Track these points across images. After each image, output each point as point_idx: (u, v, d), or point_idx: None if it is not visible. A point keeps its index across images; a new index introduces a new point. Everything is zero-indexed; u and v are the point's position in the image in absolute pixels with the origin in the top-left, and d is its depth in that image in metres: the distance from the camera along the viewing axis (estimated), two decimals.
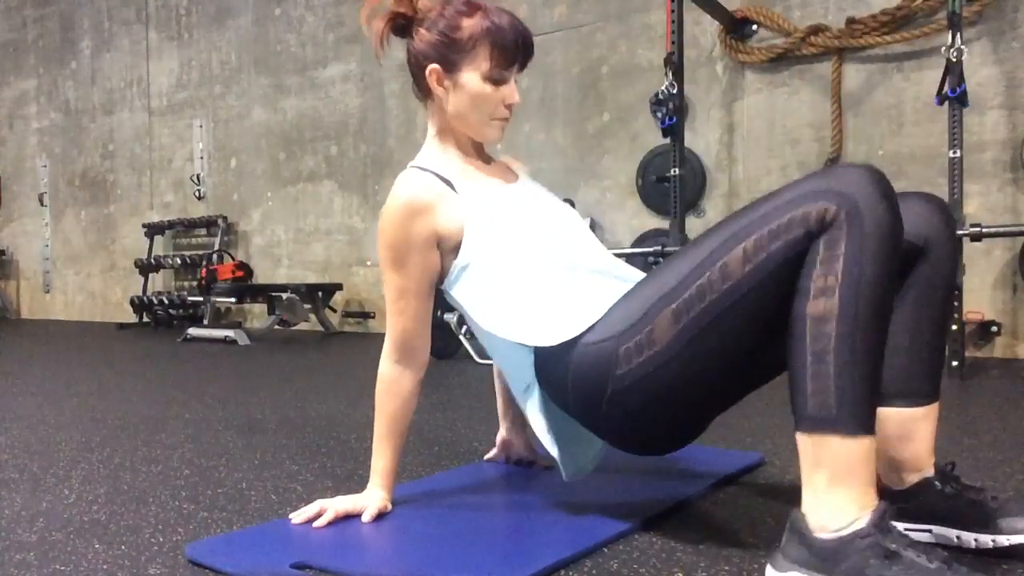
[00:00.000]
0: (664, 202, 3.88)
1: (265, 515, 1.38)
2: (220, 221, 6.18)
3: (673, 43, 3.42)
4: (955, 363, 2.89)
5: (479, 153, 1.41)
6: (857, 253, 0.95)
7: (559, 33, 4.68)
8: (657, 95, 3.44)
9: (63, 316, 7.60)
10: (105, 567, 1.13)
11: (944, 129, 3.07)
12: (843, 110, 3.83)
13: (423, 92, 1.35)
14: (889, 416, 1.15)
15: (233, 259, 5.96)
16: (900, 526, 1.14)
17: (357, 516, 1.28)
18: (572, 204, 4.48)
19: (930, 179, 3.63)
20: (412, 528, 1.25)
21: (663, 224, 4.12)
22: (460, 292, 1.30)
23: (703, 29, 4.17)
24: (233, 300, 5.72)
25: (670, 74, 3.41)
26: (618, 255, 4.25)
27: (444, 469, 1.68)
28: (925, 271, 1.14)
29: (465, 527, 1.25)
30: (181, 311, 6.15)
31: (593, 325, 1.16)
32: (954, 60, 2.88)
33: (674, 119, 3.41)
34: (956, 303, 2.89)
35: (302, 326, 5.54)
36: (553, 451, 1.27)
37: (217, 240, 6.17)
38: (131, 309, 6.48)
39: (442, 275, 1.32)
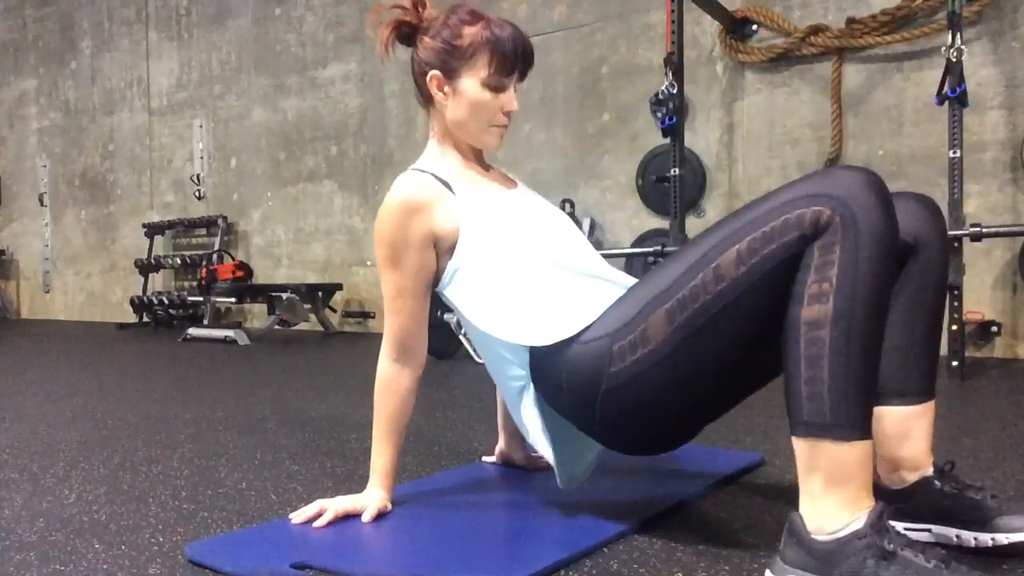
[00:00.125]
0: (664, 202, 3.88)
1: (265, 515, 1.38)
2: (220, 221, 6.18)
3: (673, 43, 3.42)
4: (955, 363, 2.89)
5: (478, 160, 1.42)
6: (851, 258, 0.95)
7: (559, 33, 4.68)
8: (657, 95, 3.44)
9: (63, 316, 7.60)
10: (105, 567, 1.13)
11: (944, 129, 3.07)
12: (843, 110, 3.83)
13: (425, 99, 1.37)
14: (886, 415, 1.16)
15: (233, 259, 5.96)
16: (899, 526, 1.15)
17: (357, 516, 1.28)
18: (572, 204, 4.50)
19: (930, 179, 3.63)
20: (412, 528, 1.25)
21: (663, 224, 4.13)
22: (455, 293, 1.31)
23: (703, 29, 4.17)
24: (233, 300, 5.72)
25: (670, 74, 3.41)
26: (618, 255, 4.28)
27: (444, 469, 1.68)
28: (917, 270, 1.15)
29: (465, 527, 1.25)
30: (181, 311, 6.16)
31: (589, 325, 1.17)
32: (954, 60, 2.88)
33: (674, 119, 3.41)
34: (956, 303, 2.89)
35: (302, 326, 5.54)
36: (548, 454, 1.27)
37: (217, 240, 6.17)
38: (131, 309, 6.48)
39: (438, 276, 1.33)
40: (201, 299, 5.72)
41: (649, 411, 1.14)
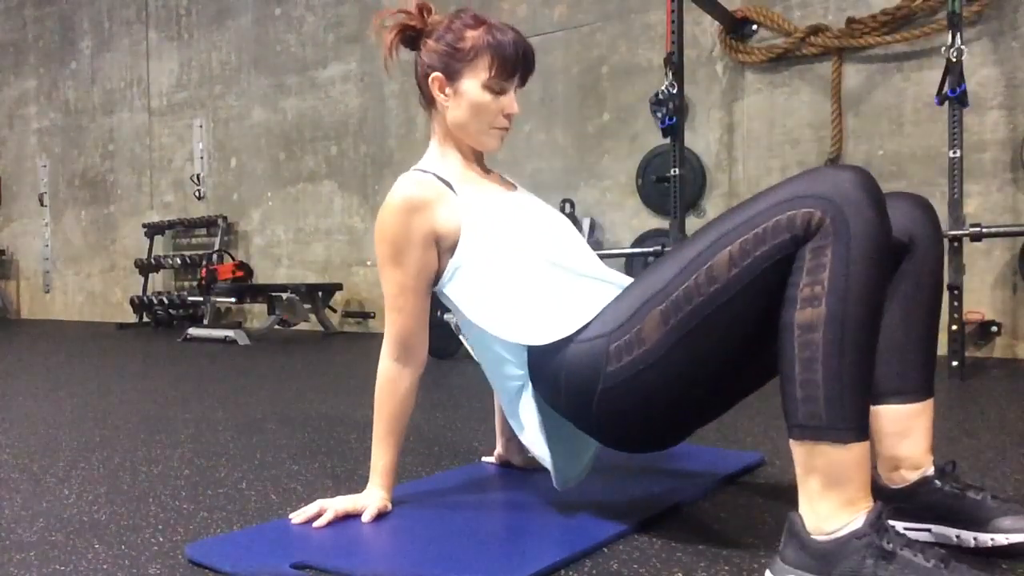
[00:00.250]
0: (664, 202, 3.88)
1: (265, 515, 1.38)
2: (220, 221, 6.18)
3: (673, 43, 3.41)
4: (955, 363, 2.89)
5: (479, 162, 1.44)
6: (843, 260, 0.95)
7: (559, 33, 4.68)
8: (657, 95, 3.44)
9: (63, 316, 7.60)
10: (105, 567, 1.13)
11: (944, 129, 3.07)
12: (843, 110, 3.83)
13: (427, 101, 1.38)
14: (885, 414, 1.16)
15: (233, 259, 5.96)
16: (899, 525, 1.15)
17: (357, 516, 1.28)
18: (572, 204, 4.50)
19: (930, 179, 3.63)
20: (412, 528, 1.25)
21: (663, 224, 4.13)
22: (455, 291, 1.31)
23: (703, 29, 4.17)
24: (233, 300, 5.72)
25: (670, 74, 3.41)
26: (618, 255, 4.28)
27: (444, 469, 1.68)
28: (913, 268, 1.16)
29: (465, 527, 1.25)
30: (181, 311, 6.15)
31: (586, 325, 1.17)
32: (954, 60, 2.88)
33: (674, 119, 3.41)
34: (956, 303, 2.89)
35: (302, 326, 5.54)
36: (544, 453, 1.27)
37: (217, 240, 6.17)
38: (131, 309, 6.48)
39: (438, 275, 1.33)
40: (201, 299, 5.72)
41: (645, 410, 1.14)
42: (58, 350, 4.63)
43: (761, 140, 4.08)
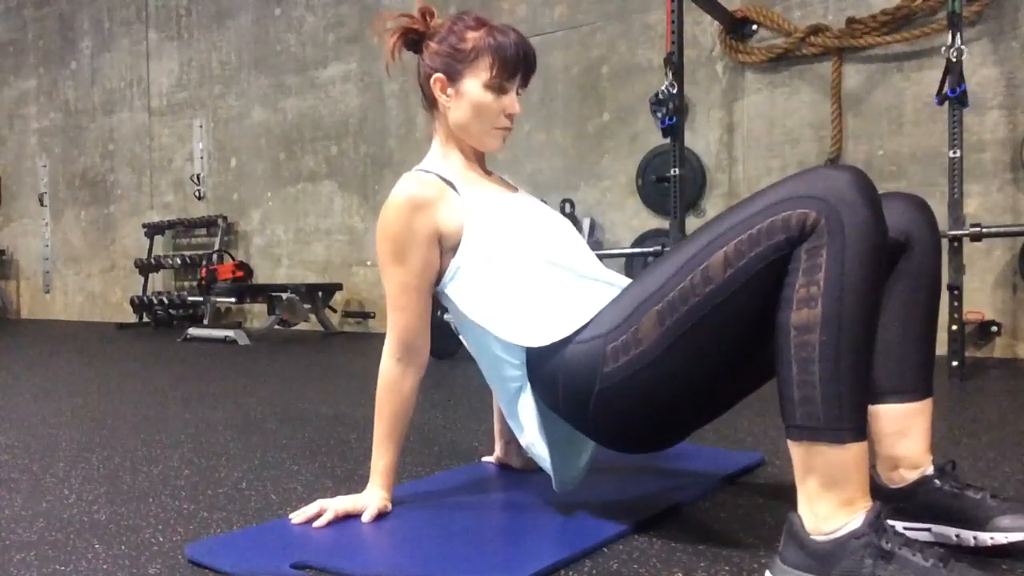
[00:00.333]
0: (664, 202, 3.88)
1: (265, 515, 1.38)
2: (220, 221, 6.18)
3: (673, 43, 3.41)
4: (955, 363, 2.89)
5: (480, 163, 1.44)
6: (838, 261, 0.95)
7: (559, 33, 4.68)
8: (657, 95, 3.44)
9: (63, 316, 7.60)
10: (105, 567, 1.13)
11: (944, 129, 3.07)
12: (843, 110, 3.83)
13: (429, 102, 1.39)
14: (884, 413, 1.16)
15: (233, 259, 5.96)
16: (899, 525, 1.15)
17: (357, 516, 1.28)
18: (572, 204, 4.50)
19: (930, 179, 3.63)
20: (412, 528, 1.25)
21: (663, 224, 4.13)
22: (456, 291, 1.31)
23: (703, 29, 4.17)
24: (233, 300, 5.72)
25: (670, 74, 3.40)
26: (618, 255, 4.27)
27: (444, 469, 1.68)
28: (909, 267, 1.16)
29: (465, 527, 1.25)
30: (181, 311, 6.15)
31: (584, 325, 1.17)
32: (954, 60, 2.88)
33: (674, 119, 3.41)
34: (956, 303, 2.89)
35: (302, 326, 5.54)
36: (543, 454, 1.28)
37: (217, 240, 6.17)
38: (131, 309, 6.48)
39: (440, 274, 1.33)
40: (201, 299, 5.72)
41: (642, 411, 1.14)
42: (58, 350, 4.63)
43: (761, 140, 4.08)
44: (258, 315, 6.06)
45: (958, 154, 2.91)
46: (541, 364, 1.22)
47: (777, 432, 1.98)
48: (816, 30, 3.81)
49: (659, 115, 3.45)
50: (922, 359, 1.17)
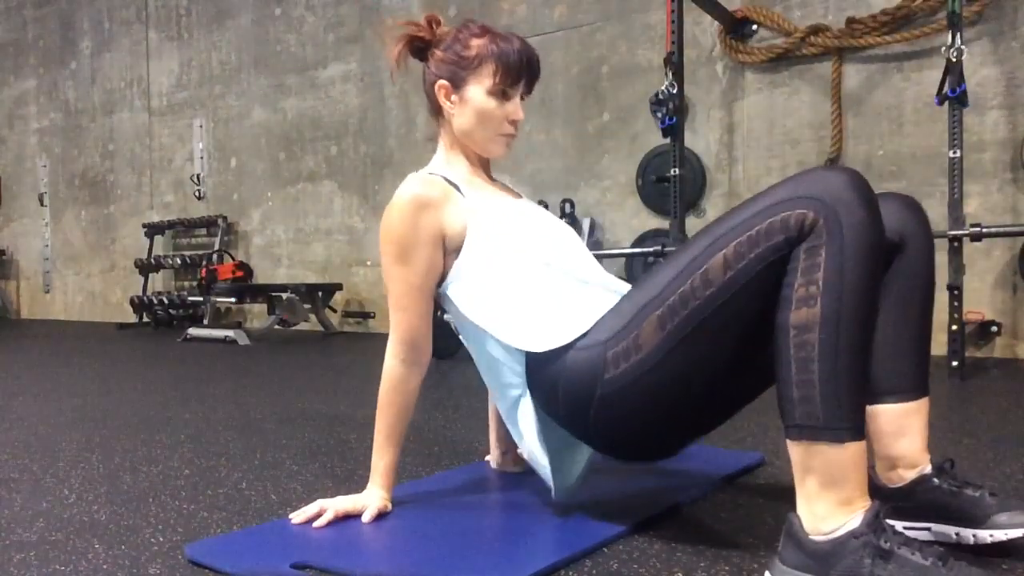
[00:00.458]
0: (664, 202, 3.88)
1: (265, 515, 1.38)
2: (220, 221, 6.18)
3: (673, 43, 3.42)
4: (955, 363, 2.89)
5: (485, 170, 1.45)
6: (837, 260, 0.96)
7: (559, 33, 4.68)
8: (657, 95, 3.44)
9: (63, 316, 7.60)
10: (105, 567, 1.13)
11: (944, 129, 3.07)
12: (843, 110, 3.83)
13: (434, 109, 1.40)
14: (881, 413, 1.17)
15: (233, 259, 5.96)
16: (899, 524, 1.15)
17: (357, 516, 1.28)
18: (572, 204, 4.50)
19: (930, 179, 3.63)
20: (412, 528, 1.25)
21: (663, 224, 4.13)
22: (458, 292, 1.31)
23: (703, 29, 4.17)
24: (233, 300, 5.72)
25: (670, 74, 3.41)
26: (618, 255, 4.26)
27: (444, 469, 1.69)
28: (904, 267, 1.17)
29: (465, 527, 1.25)
30: (181, 311, 6.15)
31: (586, 332, 1.17)
32: (954, 60, 2.88)
33: (674, 119, 3.41)
34: (956, 303, 2.89)
35: (302, 326, 5.54)
36: (543, 462, 1.27)
37: (217, 240, 6.17)
38: (131, 309, 6.48)
39: (443, 275, 1.33)
40: (201, 299, 5.72)
41: (643, 418, 1.14)
42: (58, 350, 4.63)
43: (761, 140, 4.08)
44: (258, 315, 6.06)
45: (958, 154, 2.91)
46: (541, 370, 1.21)
47: (777, 432, 1.98)
48: (816, 30, 3.81)
49: (659, 115, 3.45)
50: (918, 358, 1.18)
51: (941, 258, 2.95)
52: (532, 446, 1.28)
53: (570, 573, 1.09)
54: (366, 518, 1.28)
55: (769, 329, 1.01)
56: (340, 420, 2.27)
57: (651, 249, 3.67)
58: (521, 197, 1.47)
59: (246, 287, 5.54)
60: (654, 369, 1.09)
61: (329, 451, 1.88)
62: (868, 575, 0.91)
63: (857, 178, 0.99)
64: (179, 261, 6.29)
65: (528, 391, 1.26)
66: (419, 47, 1.39)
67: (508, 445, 1.60)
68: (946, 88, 2.90)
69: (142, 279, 6.58)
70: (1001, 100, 3.49)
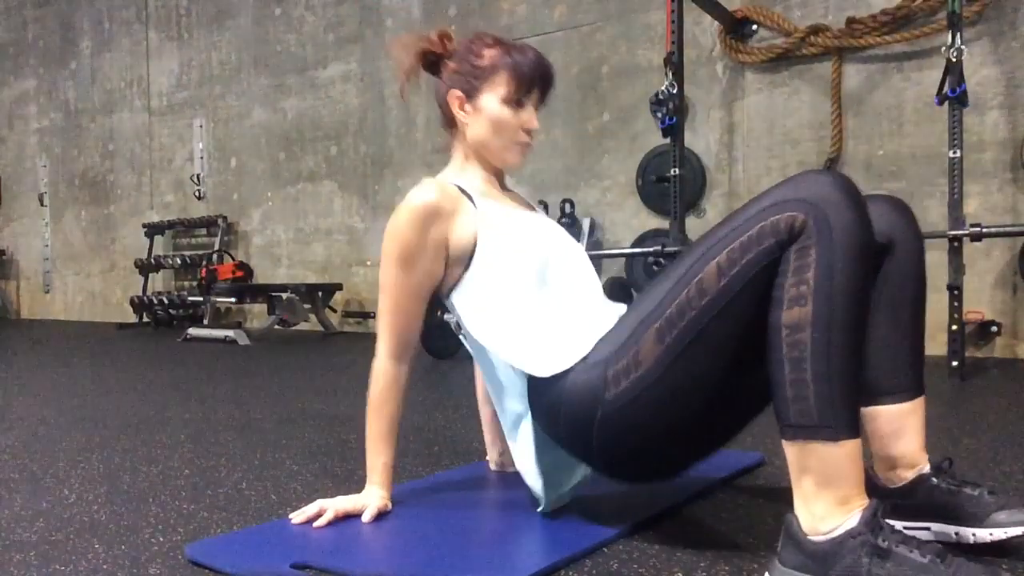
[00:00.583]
0: (664, 202, 3.88)
1: (265, 515, 1.38)
2: (220, 221, 6.18)
3: (673, 43, 3.42)
4: (955, 363, 2.89)
5: (499, 181, 1.44)
6: (827, 260, 0.96)
7: (559, 33, 4.68)
8: (657, 95, 3.44)
9: (63, 316, 7.60)
10: (105, 567, 1.13)
11: (944, 129, 3.07)
12: (843, 110, 3.83)
13: (448, 121, 1.40)
14: (878, 415, 1.17)
15: (233, 259, 5.96)
16: (899, 524, 1.15)
17: (357, 516, 1.28)
18: (572, 204, 4.50)
19: (930, 179, 3.63)
20: (412, 528, 1.25)
21: (663, 224, 4.12)
22: (463, 304, 1.30)
23: (703, 29, 4.17)
24: (233, 300, 5.72)
25: (670, 74, 3.41)
26: (618, 255, 4.26)
27: (444, 469, 1.69)
28: (894, 269, 1.17)
29: (465, 527, 1.25)
30: (181, 311, 6.16)
31: (586, 355, 1.16)
32: (954, 60, 2.88)
33: (674, 119, 3.41)
34: (956, 303, 2.89)
35: (302, 326, 5.54)
36: (536, 484, 1.27)
37: (217, 240, 6.17)
38: (131, 309, 6.48)
39: (447, 284, 1.32)
40: (201, 299, 5.72)
41: (646, 435, 1.13)
42: (58, 350, 4.63)
43: (761, 140, 4.08)
44: (258, 315, 6.07)
45: (958, 154, 2.91)
46: (543, 393, 1.20)
47: (777, 432, 1.97)
48: (816, 30, 3.81)
49: (659, 115, 3.45)
50: (912, 358, 1.18)
51: (941, 258, 2.98)
52: (528, 468, 1.27)
53: (570, 573, 1.08)
54: (366, 518, 1.27)
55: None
56: (340, 420, 2.27)
57: (651, 249, 3.67)
58: (535, 209, 1.46)
59: (246, 287, 5.54)
60: (655, 385, 1.08)
61: (329, 451, 1.88)
62: (867, 574, 0.91)
63: (844, 180, 1.00)
64: (179, 261, 6.29)
65: (529, 414, 1.25)
66: (431, 61, 1.40)
67: (504, 445, 1.60)
68: (946, 88, 2.90)
69: (142, 279, 6.58)
70: (1001, 100, 3.50)
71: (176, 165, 6.69)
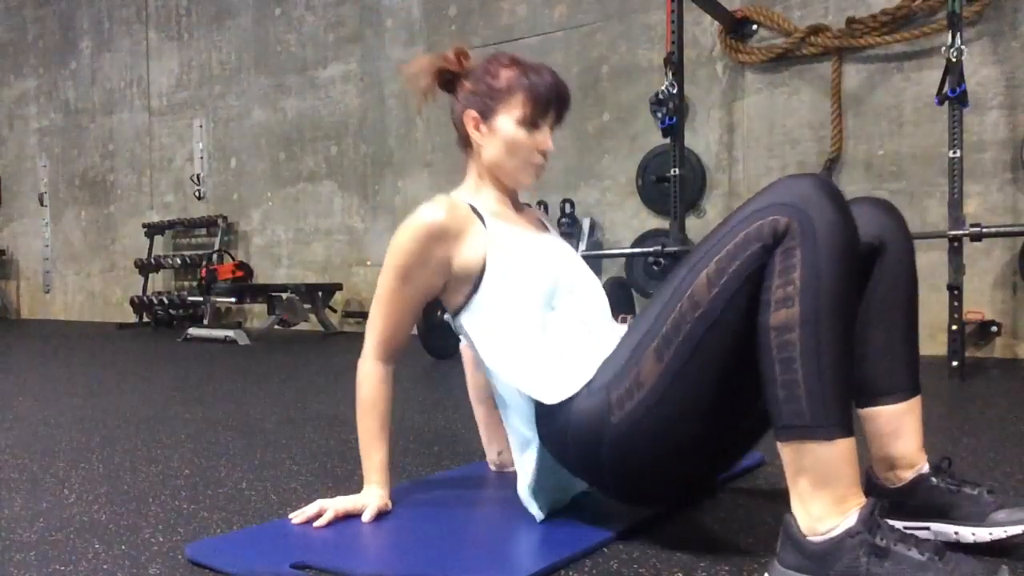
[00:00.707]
0: (664, 202, 3.88)
1: (265, 515, 1.38)
2: (220, 221, 6.18)
3: (673, 43, 3.42)
4: (955, 363, 2.89)
5: (513, 201, 1.43)
6: (812, 260, 0.97)
7: (559, 33, 4.68)
8: (657, 95, 3.44)
9: (63, 316, 7.60)
10: (105, 567, 1.13)
11: (944, 129, 3.07)
12: (843, 110, 3.83)
13: (464, 140, 1.40)
14: (875, 415, 1.18)
15: (233, 259, 5.96)
16: (899, 524, 1.14)
17: (357, 516, 1.28)
18: (572, 204, 4.50)
19: (930, 179, 3.63)
20: (412, 528, 1.25)
21: (663, 224, 4.12)
22: (472, 325, 1.30)
23: (703, 29, 4.17)
24: (233, 300, 5.72)
25: (670, 74, 3.41)
26: (618, 255, 4.25)
27: (444, 469, 1.69)
28: (886, 269, 1.18)
29: (465, 527, 1.25)
30: (181, 311, 6.15)
31: (590, 380, 1.16)
32: (954, 60, 2.88)
33: (674, 119, 3.41)
34: (956, 303, 2.89)
35: (302, 326, 5.54)
36: (532, 507, 1.27)
37: (217, 240, 6.17)
38: (131, 309, 6.48)
39: (455, 304, 1.32)
40: (201, 299, 5.72)
41: (656, 456, 1.12)
42: (58, 350, 4.63)
43: (761, 140, 4.08)
44: (258, 315, 6.07)
45: (958, 154, 2.91)
46: (550, 419, 1.20)
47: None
48: (816, 30, 3.81)
49: (659, 115, 3.45)
50: (908, 359, 1.18)
51: (941, 258, 2.98)
52: (525, 496, 1.27)
53: (570, 573, 1.09)
54: (366, 517, 1.27)
55: None
56: (340, 420, 2.27)
57: (651, 249, 3.67)
58: (548, 230, 1.45)
59: (246, 287, 5.54)
60: (659, 404, 1.08)
61: (329, 451, 1.88)
62: (865, 573, 0.91)
63: (824, 182, 1.01)
64: (179, 261, 6.29)
65: (538, 439, 1.25)
66: (447, 79, 1.39)
67: (502, 444, 1.60)
68: (946, 88, 2.90)
69: (142, 279, 6.58)
70: (1001, 100, 3.50)
71: (176, 165, 6.69)
